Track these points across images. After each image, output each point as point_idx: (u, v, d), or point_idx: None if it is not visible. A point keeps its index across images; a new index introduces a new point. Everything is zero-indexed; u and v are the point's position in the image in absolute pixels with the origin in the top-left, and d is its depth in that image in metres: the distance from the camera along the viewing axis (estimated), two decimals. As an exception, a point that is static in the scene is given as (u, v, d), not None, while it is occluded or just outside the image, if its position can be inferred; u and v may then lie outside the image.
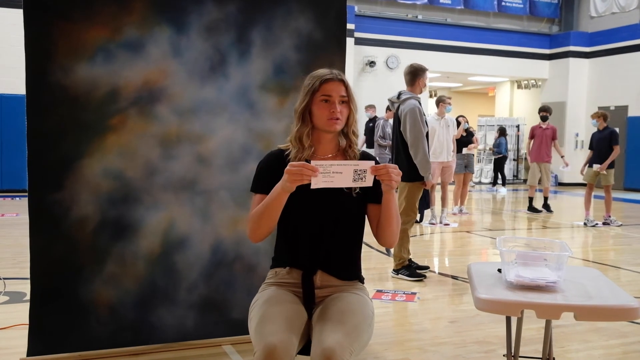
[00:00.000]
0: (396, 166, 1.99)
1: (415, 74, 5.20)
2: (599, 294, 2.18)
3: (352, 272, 2.22)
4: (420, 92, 5.26)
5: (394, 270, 5.27)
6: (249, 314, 2.11)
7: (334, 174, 1.91)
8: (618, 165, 9.16)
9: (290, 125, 2.22)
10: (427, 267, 5.42)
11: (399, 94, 5.19)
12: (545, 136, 9.75)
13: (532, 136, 9.94)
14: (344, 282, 2.18)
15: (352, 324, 1.96)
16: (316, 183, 1.91)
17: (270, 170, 2.15)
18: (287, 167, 1.92)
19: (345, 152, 2.20)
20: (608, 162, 8.58)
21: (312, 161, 1.92)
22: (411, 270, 5.20)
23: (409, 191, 5.10)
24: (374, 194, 2.13)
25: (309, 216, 2.13)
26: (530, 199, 10.26)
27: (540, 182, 9.93)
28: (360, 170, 1.94)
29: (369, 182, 1.96)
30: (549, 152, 9.81)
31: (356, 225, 2.20)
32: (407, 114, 4.99)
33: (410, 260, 5.30)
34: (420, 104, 5.10)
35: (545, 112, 9.88)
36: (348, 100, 2.14)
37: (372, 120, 10.66)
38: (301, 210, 2.11)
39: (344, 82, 2.14)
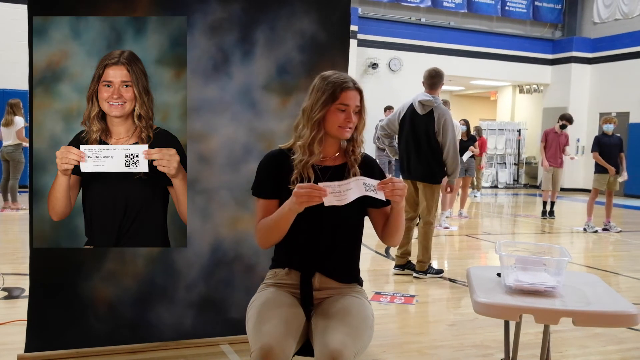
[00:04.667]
0: (401, 180, 2.00)
1: (439, 78, 5.25)
2: (598, 299, 2.18)
3: (350, 275, 2.22)
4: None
5: (420, 271, 5.29)
6: (246, 314, 2.11)
7: (344, 192, 1.94)
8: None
9: (292, 125, 2.21)
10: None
11: (432, 98, 5.15)
12: (559, 143, 9.65)
13: (544, 140, 9.75)
14: (342, 285, 2.18)
15: (353, 326, 1.96)
16: (330, 201, 1.92)
17: (269, 172, 2.16)
18: (295, 190, 1.93)
19: (346, 154, 2.20)
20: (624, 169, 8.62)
21: (320, 183, 1.93)
22: (430, 268, 5.33)
23: (436, 193, 5.21)
24: (374, 199, 2.12)
25: (308, 219, 2.12)
26: (545, 204, 10.14)
27: (553, 186, 9.79)
28: (369, 184, 1.97)
29: (380, 195, 1.98)
30: (562, 158, 9.70)
31: (355, 229, 2.21)
32: (445, 120, 5.09)
33: (409, 261, 5.35)
34: None
35: (566, 121, 9.60)
36: (361, 110, 2.15)
37: None
38: (301, 213, 2.10)
39: (360, 92, 2.14)
